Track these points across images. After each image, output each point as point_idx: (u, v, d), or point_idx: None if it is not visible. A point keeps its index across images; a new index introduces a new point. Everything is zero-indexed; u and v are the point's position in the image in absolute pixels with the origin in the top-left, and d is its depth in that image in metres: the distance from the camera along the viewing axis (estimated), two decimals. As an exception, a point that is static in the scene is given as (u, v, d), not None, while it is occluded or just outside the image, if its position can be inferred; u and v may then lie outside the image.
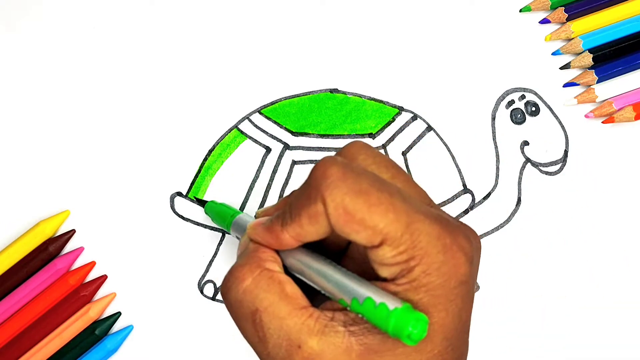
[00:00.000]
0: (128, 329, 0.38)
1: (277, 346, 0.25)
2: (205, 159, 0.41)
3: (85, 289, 0.38)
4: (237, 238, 0.32)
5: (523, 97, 0.42)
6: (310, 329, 0.25)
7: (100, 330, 0.38)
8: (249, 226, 0.29)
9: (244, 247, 0.28)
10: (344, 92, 0.42)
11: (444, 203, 0.40)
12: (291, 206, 0.26)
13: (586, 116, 0.42)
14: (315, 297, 0.27)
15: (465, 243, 0.25)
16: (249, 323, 0.26)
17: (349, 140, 0.41)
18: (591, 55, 0.41)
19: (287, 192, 0.40)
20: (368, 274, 0.26)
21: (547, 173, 0.41)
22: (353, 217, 0.24)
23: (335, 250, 0.29)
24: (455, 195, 0.40)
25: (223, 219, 0.34)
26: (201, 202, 0.39)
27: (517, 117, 0.41)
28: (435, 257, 0.24)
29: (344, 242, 0.29)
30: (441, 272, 0.25)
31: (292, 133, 0.41)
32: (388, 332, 0.23)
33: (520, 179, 0.41)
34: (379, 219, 0.24)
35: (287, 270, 0.27)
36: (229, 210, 0.35)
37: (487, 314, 0.39)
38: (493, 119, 0.41)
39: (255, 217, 0.31)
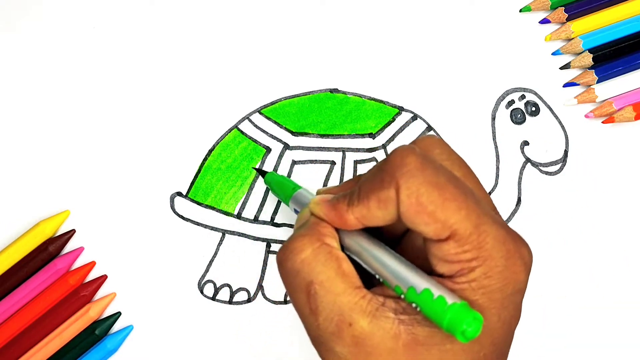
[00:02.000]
0: (128, 329, 0.38)
1: (328, 320, 0.25)
2: (205, 159, 0.41)
3: (85, 289, 0.38)
4: (295, 211, 0.33)
5: (523, 97, 0.42)
6: (363, 310, 0.25)
7: (100, 330, 0.38)
8: (313, 200, 0.29)
9: (303, 220, 0.29)
10: (344, 92, 0.42)
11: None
12: (361, 188, 0.26)
13: (586, 116, 0.42)
14: (366, 281, 0.27)
15: (526, 253, 0.26)
16: (302, 294, 0.26)
17: (349, 140, 0.41)
18: (591, 55, 0.41)
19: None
20: (421, 269, 0.26)
21: (547, 173, 0.41)
22: (425, 208, 0.24)
23: (389, 239, 0.29)
24: (455, 195, 0.40)
25: (284, 191, 0.34)
26: (261, 172, 0.39)
27: (517, 117, 0.41)
28: (498, 261, 0.25)
29: (400, 232, 0.29)
30: (502, 276, 0.25)
31: (292, 133, 0.41)
32: (442, 325, 0.24)
33: (520, 179, 0.41)
34: (451, 214, 0.24)
35: (343, 250, 0.28)
36: (290, 183, 0.35)
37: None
38: (493, 119, 0.41)
39: (317, 194, 0.31)
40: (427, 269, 0.26)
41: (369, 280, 0.27)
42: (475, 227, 0.24)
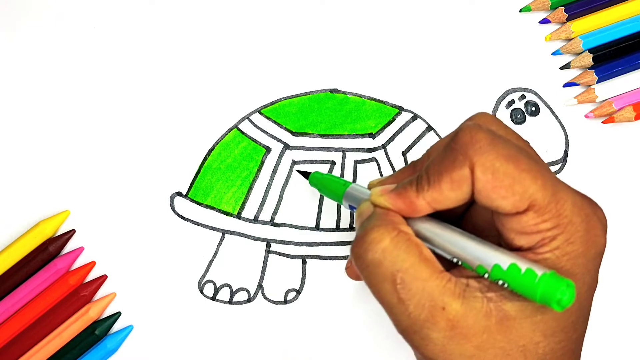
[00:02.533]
0: (128, 329, 0.38)
1: (420, 307, 0.25)
2: (205, 159, 0.41)
3: (85, 289, 0.38)
4: (350, 207, 0.32)
5: (523, 97, 0.42)
6: (452, 292, 0.25)
7: (100, 330, 0.38)
8: (374, 192, 0.28)
9: (366, 213, 0.28)
10: (344, 92, 0.42)
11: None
12: (429, 171, 0.26)
13: (586, 116, 0.42)
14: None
15: (602, 215, 0.26)
16: (387, 284, 0.26)
17: (349, 140, 0.41)
18: (591, 55, 0.41)
19: (287, 192, 0.40)
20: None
21: (547, 173, 0.41)
22: (502, 181, 0.24)
23: (448, 221, 0.29)
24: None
25: (334, 188, 0.34)
26: (304, 174, 0.39)
27: (517, 117, 0.41)
28: (580, 225, 0.25)
29: (459, 214, 0.29)
30: (583, 241, 0.25)
31: (292, 133, 0.41)
32: (535, 298, 0.23)
33: (520, 179, 0.41)
34: (529, 185, 0.24)
35: None
36: (339, 179, 0.34)
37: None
38: (493, 119, 0.41)
39: (369, 187, 0.31)
40: (497, 244, 0.26)
41: (444, 264, 0.26)
42: (553, 195, 0.24)
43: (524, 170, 0.24)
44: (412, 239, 0.26)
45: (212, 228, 0.40)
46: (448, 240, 0.26)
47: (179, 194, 0.40)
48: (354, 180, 0.40)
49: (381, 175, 0.40)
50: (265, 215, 0.40)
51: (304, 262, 0.39)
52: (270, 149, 0.41)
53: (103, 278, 0.39)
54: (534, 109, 0.42)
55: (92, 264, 0.39)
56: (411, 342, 0.26)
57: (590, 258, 0.25)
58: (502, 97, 0.42)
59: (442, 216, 0.28)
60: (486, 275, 0.25)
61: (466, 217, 0.29)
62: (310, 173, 0.37)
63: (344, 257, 0.39)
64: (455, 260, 0.26)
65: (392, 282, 0.25)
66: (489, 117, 0.28)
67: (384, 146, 0.41)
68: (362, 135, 0.41)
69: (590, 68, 0.41)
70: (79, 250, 0.39)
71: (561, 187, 0.25)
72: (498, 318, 0.25)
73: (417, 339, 0.25)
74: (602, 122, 0.41)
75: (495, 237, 0.27)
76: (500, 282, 0.24)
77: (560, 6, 0.42)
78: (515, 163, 0.25)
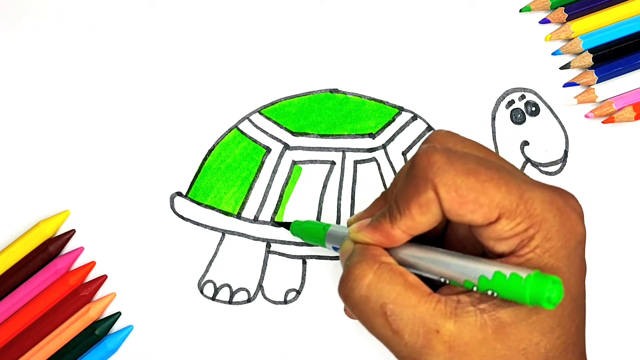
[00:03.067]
0: (128, 329, 0.38)
1: (414, 334, 0.25)
2: (205, 159, 0.41)
3: (85, 289, 0.38)
4: (334, 249, 0.32)
5: (523, 97, 0.42)
6: (443, 313, 0.25)
7: (100, 330, 0.38)
8: (351, 229, 0.29)
9: (348, 252, 0.28)
10: (344, 92, 0.42)
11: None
12: (397, 200, 0.26)
13: (586, 116, 0.42)
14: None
15: (576, 203, 0.26)
16: (378, 317, 0.26)
17: (349, 140, 0.41)
18: (591, 55, 0.41)
19: (287, 192, 0.40)
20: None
21: (547, 173, 0.41)
22: (467, 197, 0.25)
23: (430, 241, 0.29)
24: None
25: (315, 234, 0.34)
26: (283, 224, 0.39)
27: (517, 117, 0.41)
28: (553, 220, 0.25)
29: (439, 232, 0.29)
30: (561, 234, 0.25)
31: (292, 133, 0.41)
32: (525, 300, 0.24)
33: (520, 179, 0.41)
34: (494, 193, 0.25)
35: None
36: (318, 224, 0.35)
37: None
38: (493, 119, 0.41)
39: (347, 225, 0.31)
40: (485, 254, 0.26)
41: (430, 286, 0.27)
42: (520, 198, 0.25)
43: (486, 181, 0.25)
44: (394, 268, 0.26)
45: (212, 228, 0.40)
46: (431, 262, 0.26)
47: (179, 194, 0.40)
48: (354, 181, 0.40)
49: (381, 175, 0.40)
50: (265, 215, 0.40)
51: (304, 262, 0.39)
52: (270, 149, 0.41)
53: (103, 278, 0.39)
54: (534, 109, 0.42)
55: (92, 264, 0.39)
56: None
57: (571, 249, 0.25)
58: (502, 97, 0.42)
59: (423, 238, 0.28)
60: (475, 289, 0.25)
61: (447, 233, 0.30)
62: (290, 223, 0.38)
63: (344, 257, 0.39)
64: (442, 280, 0.26)
65: (383, 314, 0.26)
66: (444, 134, 0.28)
67: (384, 146, 0.41)
68: (362, 135, 0.41)
69: (590, 68, 0.41)
70: (79, 250, 0.39)
71: (527, 187, 0.25)
72: (494, 327, 0.25)
73: None
74: (602, 122, 0.41)
75: (479, 247, 0.27)
76: (490, 292, 0.24)
77: (560, 6, 0.42)
78: (475, 176, 0.25)
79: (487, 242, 0.26)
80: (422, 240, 0.28)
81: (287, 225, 0.38)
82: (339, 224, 0.40)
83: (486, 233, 0.25)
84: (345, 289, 0.27)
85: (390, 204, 0.27)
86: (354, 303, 0.26)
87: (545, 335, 0.25)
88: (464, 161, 0.25)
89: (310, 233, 0.35)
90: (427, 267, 0.26)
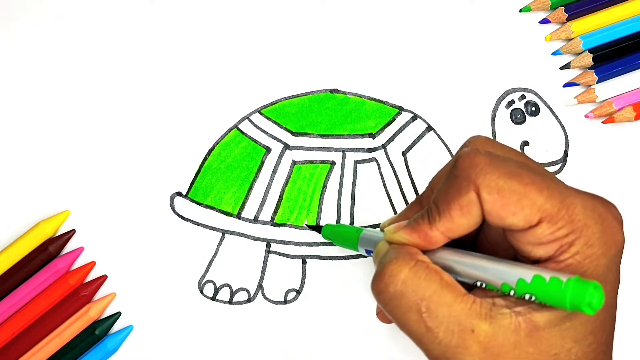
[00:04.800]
0: (128, 329, 0.38)
1: (449, 333, 0.25)
2: (205, 159, 0.41)
3: (85, 289, 0.38)
4: (367, 252, 0.32)
5: (523, 97, 0.42)
6: (479, 314, 0.25)
7: (100, 330, 0.38)
8: (388, 230, 0.28)
9: (382, 252, 0.28)
10: (344, 92, 0.42)
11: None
12: (437, 202, 0.26)
13: (586, 116, 0.42)
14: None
15: (617, 212, 0.26)
16: (413, 314, 0.25)
17: (349, 140, 0.41)
18: (591, 55, 0.41)
19: (287, 192, 0.40)
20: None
21: (547, 173, 0.41)
22: (509, 198, 0.25)
23: (462, 247, 0.29)
24: (455, 195, 0.40)
25: (347, 238, 0.34)
26: (315, 228, 0.39)
27: (517, 117, 0.41)
28: (595, 227, 0.25)
29: (471, 238, 0.29)
30: (602, 241, 0.25)
31: (292, 133, 0.41)
32: (565, 304, 0.23)
33: (520, 179, 0.41)
34: (536, 197, 0.24)
35: None
36: (351, 228, 0.34)
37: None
38: (493, 119, 0.41)
39: (381, 229, 0.31)
40: (514, 259, 0.26)
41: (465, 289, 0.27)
42: (562, 202, 0.25)
43: (528, 184, 0.25)
44: (430, 267, 0.26)
45: (212, 228, 0.40)
46: (468, 265, 0.26)
47: (179, 194, 0.40)
48: (354, 181, 0.40)
49: (381, 175, 0.40)
50: (265, 215, 0.40)
51: (304, 262, 0.39)
52: (270, 149, 0.41)
53: (103, 278, 0.39)
54: (534, 109, 0.42)
55: (92, 264, 0.39)
56: None
57: (610, 257, 0.25)
58: (502, 97, 0.42)
59: (455, 243, 0.28)
60: (512, 292, 0.25)
61: (479, 239, 0.30)
62: (321, 227, 0.37)
63: (343, 257, 0.39)
64: (478, 283, 0.26)
65: (417, 311, 0.25)
66: (483, 140, 0.29)
67: (384, 146, 0.41)
68: (362, 135, 0.41)
69: (590, 68, 0.41)
70: (79, 250, 0.39)
71: (569, 193, 0.25)
72: (527, 331, 0.25)
73: None
74: (602, 122, 0.41)
75: (511, 253, 0.27)
76: (527, 296, 0.24)
77: (560, 6, 0.42)
78: (518, 179, 0.25)
79: (525, 247, 0.26)
80: (454, 246, 0.28)
81: (318, 229, 0.38)
82: (339, 223, 0.40)
83: (525, 237, 0.25)
84: (380, 284, 0.26)
85: (429, 205, 0.27)
86: (388, 299, 0.26)
87: (577, 342, 0.25)
88: (506, 164, 0.25)
89: (343, 236, 0.35)
90: (463, 270, 0.26)
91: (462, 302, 0.25)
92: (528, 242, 0.25)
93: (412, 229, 0.27)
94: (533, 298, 0.24)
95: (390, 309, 0.26)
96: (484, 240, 0.29)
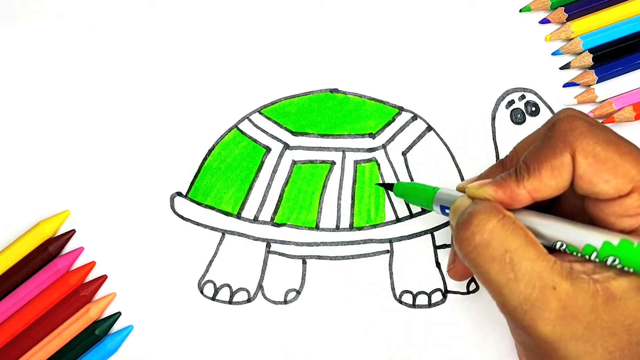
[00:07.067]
0: (128, 329, 0.38)
1: (530, 286, 0.25)
2: (205, 159, 0.41)
3: (85, 289, 0.38)
4: (441, 209, 0.32)
5: (523, 97, 0.42)
6: (560, 273, 0.25)
7: (100, 330, 0.38)
8: (472, 185, 0.28)
9: (461, 208, 0.28)
10: (344, 92, 0.42)
11: (444, 203, 0.40)
12: (528, 161, 0.27)
13: (586, 116, 0.42)
14: None
15: None
16: (496, 264, 0.26)
17: (349, 140, 0.41)
18: (591, 55, 0.41)
19: (287, 192, 0.40)
20: None
21: (547, 173, 0.41)
22: (604, 165, 0.25)
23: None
24: (455, 195, 0.40)
25: (422, 195, 0.34)
26: (387, 186, 0.39)
27: (517, 117, 0.41)
28: None
29: (547, 207, 0.29)
30: None
31: (292, 133, 0.41)
32: None
33: (520, 179, 0.41)
34: (631, 167, 0.25)
35: None
36: (427, 186, 0.34)
37: (487, 313, 0.39)
38: (493, 119, 0.41)
39: (458, 189, 0.31)
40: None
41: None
42: None
43: (625, 154, 0.25)
44: (517, 222, 0.26)
45: (212, 228, 0.40)
46: (550, 227, 0.26)
47: (179, 194, 0.40)
48: (354, 181, 0.40)
49: (381, 175, 0.40)
50: (265, 215, 0.40)
51: (304, 262, 0.39)
52: (270, 149, 0.41)
53: (103, 278, 0.39)
54: (534, 109, 0.42)
55: (92, 264, 0.39)
56: (520, 322, 0.26)
57: None
58: (502, 97, 0.42)
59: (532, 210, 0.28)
60: (594, 255, 0.25)
61: (553, 210, 0.30)
62: (393, 184, 0.37)
63: (343, 257, 0.39)
64: (559, 245, 0.26)
65: (502, 262, 0.26)
66: (576, 111, 0.29)
67: (384, 146, 0.41)
68: (362, 135, 0.41)
69: (590, 68, 0.41)
70: (79, 250, 0.39)
71: None
72: (604, 298, 0.25)
73: (527, 318, 0.26)
74: (602, 122, 0.41)
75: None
76: (611, 259, 0.25)
77: (560, 6, 0.42)
78: (615, 147, 0.25)
79: (608, 218, 0.26)
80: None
81: (389, 186, 0.38)
82: (339, 226, 0.40)
83: (611, 207, 0.25)
84: (466, 232, 0.26)
85: (519, 164, 0.27)
86: (473, 247, 0.26)
87: None
88: (605, 132, 0.26)
89: (417, 193, 0.35)
90: (545, 231, 0.26)
91: (544, 260, 0.25)
92: (614, 212, 0.25)
93: (498, 186, 0.27)
94: (617, 261, 0.24)
95: (473, 256, 0.26)
96: (559, 212, 0.29)
